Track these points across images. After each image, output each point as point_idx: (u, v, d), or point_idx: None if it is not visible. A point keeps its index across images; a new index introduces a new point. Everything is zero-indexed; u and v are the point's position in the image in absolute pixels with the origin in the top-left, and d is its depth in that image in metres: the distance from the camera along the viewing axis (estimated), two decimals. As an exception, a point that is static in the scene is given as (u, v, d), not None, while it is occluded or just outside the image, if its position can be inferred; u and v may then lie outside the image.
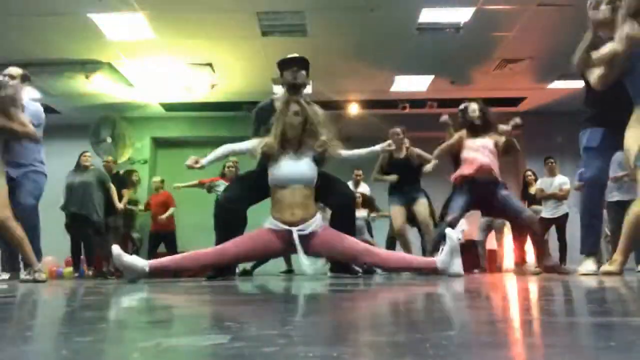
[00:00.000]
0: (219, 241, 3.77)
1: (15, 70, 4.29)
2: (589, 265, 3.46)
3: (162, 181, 8.57)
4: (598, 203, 3.62)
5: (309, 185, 3.51)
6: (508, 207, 4.58)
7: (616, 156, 3.67)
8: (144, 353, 0.61)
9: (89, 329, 0.88)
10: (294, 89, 3.99)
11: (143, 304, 1.57)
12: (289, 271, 7.19)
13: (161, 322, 1.01)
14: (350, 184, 7.40)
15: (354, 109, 9.63)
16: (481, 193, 4.62)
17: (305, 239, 3.41)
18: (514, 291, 2.00)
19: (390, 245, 6.82)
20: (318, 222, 3.48)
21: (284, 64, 4.09)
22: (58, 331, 0.89)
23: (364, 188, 7.85)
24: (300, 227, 3.41)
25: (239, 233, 3.78)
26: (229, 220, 3.87)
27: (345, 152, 3.73)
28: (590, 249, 3.50)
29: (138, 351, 0.62)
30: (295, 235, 3.38)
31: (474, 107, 4.90)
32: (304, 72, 4.06)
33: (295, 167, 3.50)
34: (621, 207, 6.06)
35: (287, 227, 3.41)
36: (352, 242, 3.51)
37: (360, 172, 7.80)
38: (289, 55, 4.15)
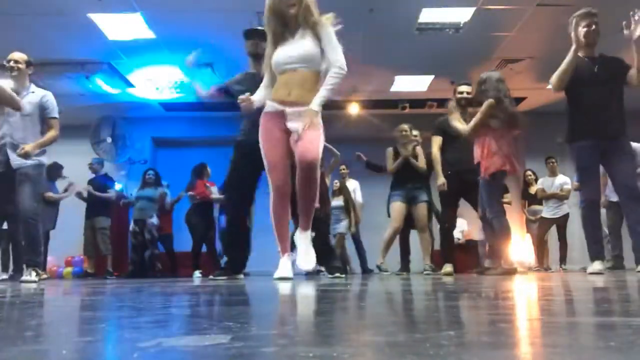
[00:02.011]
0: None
1: (19, 56, 4.30)
2: (597, 265, 3.83)
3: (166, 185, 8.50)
4: (597, 216, 4.06)
5: (311, 66, 3.17)
6: (479, 195, 4.71)
7: None
8: (144, 353, 0.61)
9: (89, 329, 0.88)
10: (255, 58, 4.25)
11: (143, 304, 1.57)
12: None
13: (161, 322, 1.01)
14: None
15: (354, 109, 9.63)
16: (463, 180, 4.88)
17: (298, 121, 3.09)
18: (514, 291, 2.00)
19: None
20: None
21: (247, 35, 4.43)
22: (58, 331, 0.89)
23: (352, 184, 7.84)
24: (294, 108, 3.10)
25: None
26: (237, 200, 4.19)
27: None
28: (597, 253, 3.92)
29: (138, 351, 0.62)
30: (289, 111, 3.09)
31: (460, 89, 5.15)
32: (264, 44, 4.22)
33: (293, 48, 3.18)
34: (620, 207, 6.08)
35: (281, 107, 3.14)
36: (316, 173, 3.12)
37: (344, 166, 7.76)
38: (253, 28, 4.49)
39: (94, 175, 8.04)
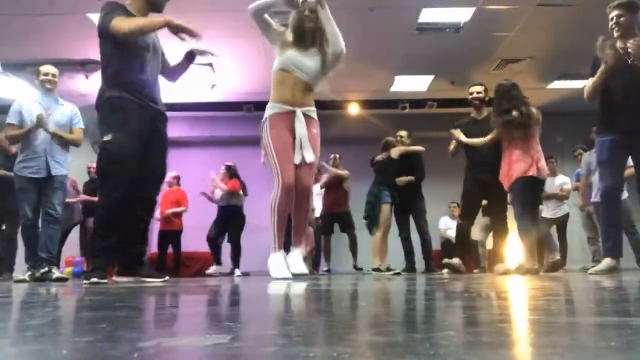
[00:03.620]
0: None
1: (54, 70, 4.64)
2: (603, 264, 3.78)
3: (177, 177, 8.40)
4: (614, 210, 3.87)
5: (312, 80, 3.50)
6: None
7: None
8: (144, 353, 0.61)
9: (89, 329, 0.88)
10: (155, 9, 3.93)
11: (143, 304, 1.57)
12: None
13: (161, 322, 1.01)
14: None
15: (354, 109, 9.63)
16: (481, 182, 4.95)
17: (306, 122, 3.41)
18: (514, 291, 2.00)
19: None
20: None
21: None
22: (58, 331, 0.89)
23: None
24: (304, 109, 3.42)
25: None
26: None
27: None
28: (607, 251, 3.84)
29: (138, 351, 0.62)
30: (299, 113, 3.38)
31: (471, 90, 5.31)
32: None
33: (310, 61, 3.48)
34: None
35: (290, 108, 3.39)
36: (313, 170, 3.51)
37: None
38: None
39: (88, 178, 8.03)
